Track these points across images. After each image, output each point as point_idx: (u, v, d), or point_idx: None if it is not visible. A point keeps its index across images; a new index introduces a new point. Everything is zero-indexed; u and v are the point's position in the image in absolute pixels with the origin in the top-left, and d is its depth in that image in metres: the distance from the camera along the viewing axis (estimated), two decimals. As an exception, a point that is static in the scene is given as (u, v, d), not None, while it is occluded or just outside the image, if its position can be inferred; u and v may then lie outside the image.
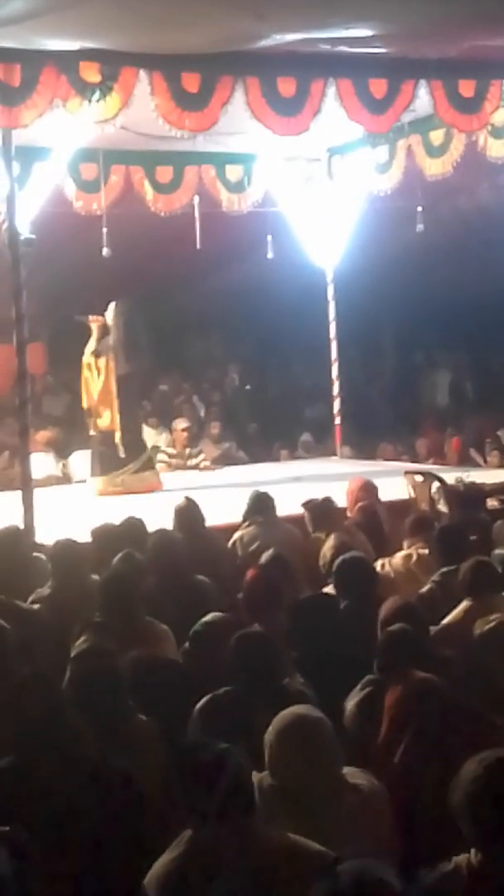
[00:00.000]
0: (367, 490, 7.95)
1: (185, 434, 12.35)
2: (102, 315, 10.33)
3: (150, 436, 13.31)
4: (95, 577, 6.16)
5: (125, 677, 4.30)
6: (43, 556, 6.61)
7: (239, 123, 8.43)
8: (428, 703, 4.12)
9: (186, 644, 5.03)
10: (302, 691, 4.21)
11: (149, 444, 13.08)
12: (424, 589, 5.87)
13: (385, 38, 7.80)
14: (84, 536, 6.90)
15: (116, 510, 8.05)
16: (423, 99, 8.66)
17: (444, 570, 5.95)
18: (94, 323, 10.28)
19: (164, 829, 3.39)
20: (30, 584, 6.26)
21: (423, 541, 6.63)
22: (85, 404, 10.55)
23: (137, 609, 5.36)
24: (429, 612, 5.18)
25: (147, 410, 14.22)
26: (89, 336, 10.32)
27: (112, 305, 10.31)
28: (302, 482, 9.97)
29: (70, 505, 9.71)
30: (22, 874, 2.52)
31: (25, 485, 8.02)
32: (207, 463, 12.27)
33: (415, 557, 6.59)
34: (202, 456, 12.36)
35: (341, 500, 7.87)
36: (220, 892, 2.89)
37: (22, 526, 7.50)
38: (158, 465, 12.31)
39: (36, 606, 5.94)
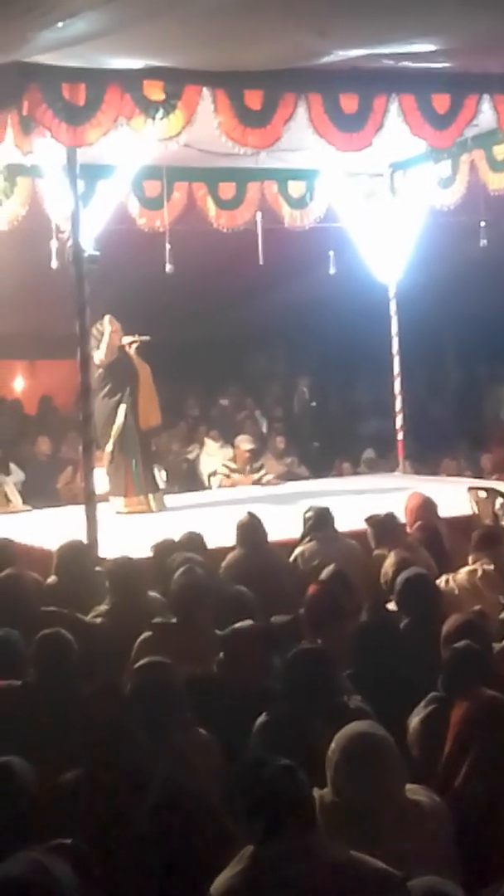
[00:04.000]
0: (426, 508, 7.90)
1: (248, 455, 12.34)
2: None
3: (213, 450, 13.37)
4: (153, 593, 6.21)
5: (185, 692, 4.32)
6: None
7: (301, 140, 8.45)
8: (494, 721, 4.08)
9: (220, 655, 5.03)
10: (362, 708, 4.19)
11: (211, 459, 13.18)
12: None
13: (448, 53, 7.78)
14: (145, 551, 6.95)
15: (176, 524, 8.08)
16: (486, 113, 8.63)
17: None
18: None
19: (225, 844, 3.39)
20: (93, 598, 6.31)
21: (490, 556, 6.58)
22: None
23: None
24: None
25: (208, 424, 14.29)
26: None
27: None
28: (364, 497, 9.93)
29: (133, 520, 9.74)
30: (85, 887, 2.53)
31: (89, 499, 8.08)
32: (270, 478, 12.27)
33: (480, 572, 6.52)
34: (264, 471, 12.37)
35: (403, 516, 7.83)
36: (282, 908, 2.88)
37: (85, 540, 7.55)
38: (221, 478, 12.36)
39: (98, 620, 5.99)
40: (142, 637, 5.42)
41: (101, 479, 9.37)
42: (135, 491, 10.01)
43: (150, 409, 10.27)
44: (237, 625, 4.96)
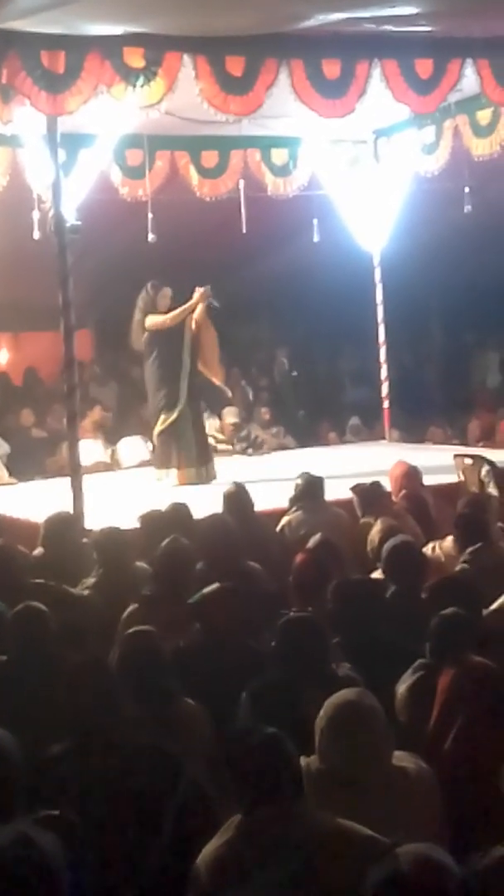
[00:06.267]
0: (410, 476, 7.90)
1: (232, 428, 12.32)
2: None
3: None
4: (141, 564, 6.20)
5: (172, 661, 4.32)
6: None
7: (284, 106, 8.38)
8: (481, 687, 4.09)
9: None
10: (351, 676, 4.20)
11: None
12: (457, 570, 5.82)
13: (430, 16, 7.71)
14: (133, 522, 6.94)
15: (164, 496, 8.07)
16: (469, 78, 8.55)
17: (472, 549, 5.94)
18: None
19: (212, 813, 3.39)
20: (80, 570, 6.30)
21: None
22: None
23: (188, 590, 5.40)
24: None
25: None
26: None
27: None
28: (350, 465, 9.93)
29: (119, 491, 9.73)
30: (73, 858, 2.53)
31: (74, 471, 8.06)
32: (261, 447, 12.28)
33: (466, 540, 6.53)
34: (254, 438, 12.39)
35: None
36: (271, 876, 2.89)
37: (72, 512, 7.53)
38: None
39: (86, 592, 5.98)
40: (128, 610, 5.43)
41: (85, 451, 9.28)
42: (186, 462, 9.82)
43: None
44: (205, 590, 4.99)
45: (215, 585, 5.03)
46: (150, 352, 9.93)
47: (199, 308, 9.91)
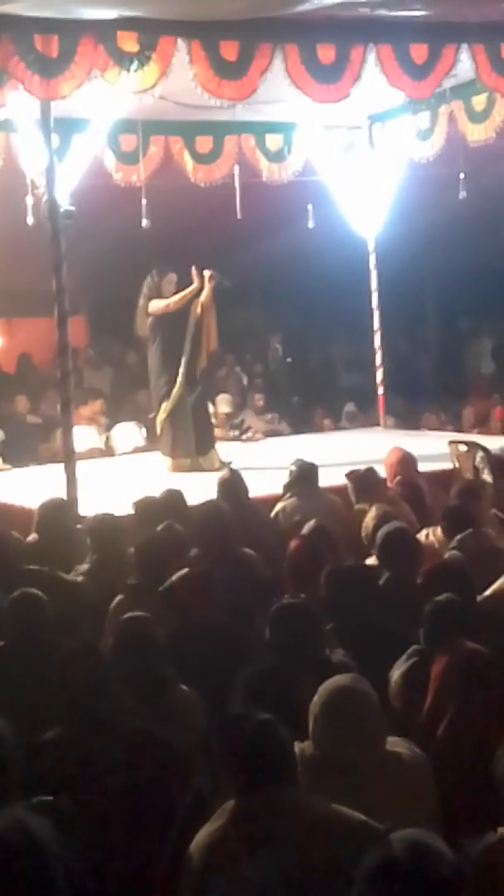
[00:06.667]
0: (405, 462, 7.90)
1: (225, 417, 12.28)
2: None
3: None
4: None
5: (166, 647, 4.33)
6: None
7: (278, 91, 8.35)
8: (474, 673, 4.10)
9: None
10: (344, 662, 4.20)
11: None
12: (447, 556, 5.82)
13: (425, 1, 7.69)
14: (127, 509, 6.94)
15: (159, 482, 8.06)
16: (464, 63, 8.52)
17: (460, 536, 5.95)
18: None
19: (206, 799, 3.40)
20: (74, 556, 6.30)
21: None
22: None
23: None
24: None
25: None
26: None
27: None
28: (345, 452, 9.93)
29: (113, 477, 9.72)
30: (66, 844, 2.53)
31: (68, 458, 8.05)
32: (250, 434, 12.26)
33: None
34: (246, 427, 12.36)
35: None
36: (265, 862, 2.89)
37: (65, 498, 7.52)
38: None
39: (79, 579, 5.98)
40: (115, 600, 5.43)
41: (79, 437, 9.25)
42: (180, 453, 9.74)
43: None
44: (174, 577, 5.01)
45: (184, 571, 5.04)
46: (154, 338, 9.90)
47: (206, 291, 9.85)
